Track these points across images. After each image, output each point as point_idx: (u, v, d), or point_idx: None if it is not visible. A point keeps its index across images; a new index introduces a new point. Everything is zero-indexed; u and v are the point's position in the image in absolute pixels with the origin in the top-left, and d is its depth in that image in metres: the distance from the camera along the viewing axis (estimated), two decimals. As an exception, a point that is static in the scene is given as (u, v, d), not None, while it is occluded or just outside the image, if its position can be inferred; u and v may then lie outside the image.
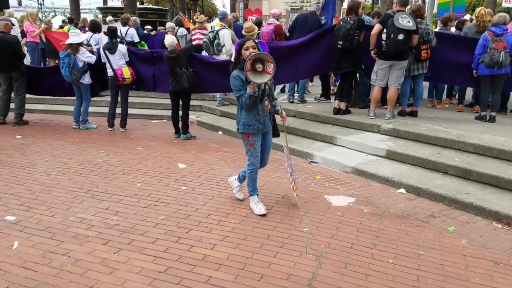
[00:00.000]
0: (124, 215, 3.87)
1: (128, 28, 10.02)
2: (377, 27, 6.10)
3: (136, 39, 10.01)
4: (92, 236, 3.44)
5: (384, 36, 5.96)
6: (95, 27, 9.05)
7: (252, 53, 3.49)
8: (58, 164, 5.43)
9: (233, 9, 38.46)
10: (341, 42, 6.33)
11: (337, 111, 6.73)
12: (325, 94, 8.36)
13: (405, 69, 6.29)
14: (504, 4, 12.27)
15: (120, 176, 4.99)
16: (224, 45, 8.05)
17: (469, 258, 3.26)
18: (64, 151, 6.07)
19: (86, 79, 7.32)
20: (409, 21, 5.77)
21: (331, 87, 8.76)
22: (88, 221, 3.72)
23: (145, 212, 3.95)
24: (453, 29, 7.95)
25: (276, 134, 4.07)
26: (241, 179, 4.22)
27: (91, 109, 7.86)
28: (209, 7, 61.17)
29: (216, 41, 8.01)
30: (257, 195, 4.06)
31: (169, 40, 6.70)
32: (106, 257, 3.10)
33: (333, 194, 4.53)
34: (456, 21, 8.12)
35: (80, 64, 7.12)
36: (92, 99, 7.91)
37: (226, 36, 8.05)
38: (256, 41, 6.51)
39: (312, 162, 5.69)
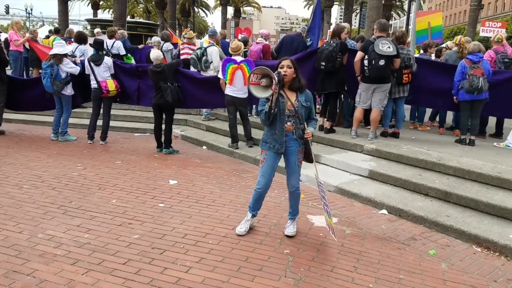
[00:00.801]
0: (96, 233, 3.72)
1: (114, 41, 9.97)
2: (359, 54, 6.25)
3: (122, 52, 9.96)
4: (60, 255, 3.28)
5: (366, 62, 6.10)
6: (80, 39, 8.98)
7: (256, 68, 3.41)
8: (32, 177, 5.24)
9: (224, 26, 39.01)
10: (323, 64, 6.49)
11: (322, 127, 6.90)
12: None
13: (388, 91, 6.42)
14: (482, 34, 12.67)
15: (95, 191, 4.83)
16: (212, 62, 8.09)
17: (449, 283, 3.22)
18: (39, 164, 5.88)
19: (68, 90, 7.19)
20: (389, 47, 5.90)
21: (317, 106, 8.81)
22: (57, 239, 3.56)
23: (118, 230, 3.81)
24: (433, 56, 8.17)
25: (308, 159, 3.83)
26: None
27: (71, 120, 7.70)
28: (201, 24, 61.84)
29: (204, 57, 8.09)
30: (253, 215, 3.92)
31: (155, 54, 6.67)
32: (73, 278, 2.95)
33: (315, 214, 4.46)
34: (435, 49, 8.34)
35: (63, 75, 7.01)
36: (74, 110, 7.77)
37: (214, 53, 8.13)
38: (243, 59, 6.63)
39: (296, 180, 5.62)
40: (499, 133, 7.21)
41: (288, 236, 3.83)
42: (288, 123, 3.63)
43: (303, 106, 3.65)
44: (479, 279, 3.30)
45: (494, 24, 12.76)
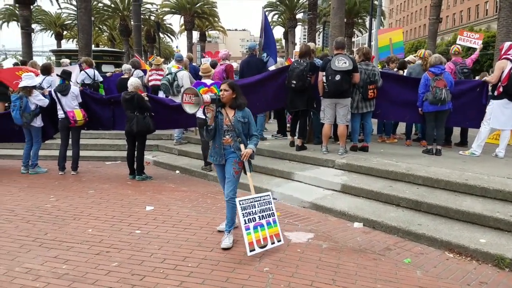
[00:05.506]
0: (74, 263, 3.66)
1: (94, 71, 10.00)
2: (320, 74, 6.50)
3: (100, 79, 10.03)
4: (39, 287, 3.21)
5: (324, 78, 6.36)
6: (46, 70, 8.88)
7: (186, 88, 4.00)
8: (4, 212, 5.10)
9: (190, 50, 39.32)
10: (294, 82, 6.65)
11: (293, 143, 7.08)
12: (282, 131, 8.57)
13: (354, 107, 6.69)
14: (459, 42, 12.62)
15: (70, 222, 4.75)
16: (183, 86, 8.16)
17: (425, 290, 3.32)
18: (11, 198, 5.73)
19: (38, 122, 7.11)
20: (345, 62, 6.16)
21: (287, 124, 8.97)
22: (35, 272, 3.48)
23: (96, 259, 3.75)
24: (395, 70, 8.48)
25: (244, 171, 4.15)
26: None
27: (41, 152, 7.53)
28: (166, 49, 61.95)
29: (175, 82, 8.15)
30: (229, 228, 4.11)
31: (131, 81, 6.68)
32: (53, 310, 2.89)
33: (292, 230, 4.53)
34: (398, 62, 8.67)
35: (32, 107, 6.93)
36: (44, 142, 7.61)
37: (184, 77, 8.22)
38: (213, 81, 6.72)
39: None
40: (464, 142, 7.49)
41: (224, 249, 3.96)
42: (227, 136, 4.08)
43: (239, 121, 4.09)
44: (453, 283, 3.42)
45: (472, 35, 12.90)
